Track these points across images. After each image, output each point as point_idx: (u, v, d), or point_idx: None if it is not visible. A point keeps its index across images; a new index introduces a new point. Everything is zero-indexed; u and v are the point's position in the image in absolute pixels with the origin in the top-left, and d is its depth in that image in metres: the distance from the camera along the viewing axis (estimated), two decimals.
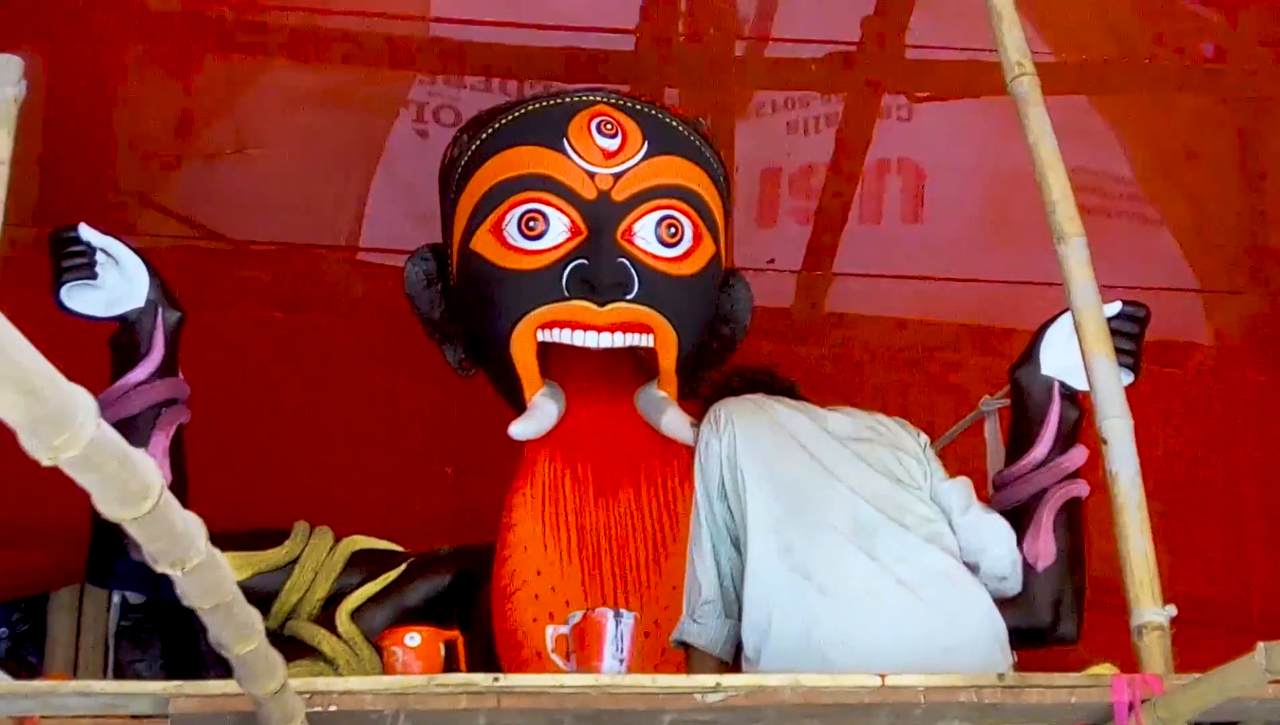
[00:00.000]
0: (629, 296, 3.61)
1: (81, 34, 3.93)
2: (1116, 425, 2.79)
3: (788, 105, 4.45)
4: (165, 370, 3.36)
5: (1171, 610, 2.66)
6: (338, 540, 3.66)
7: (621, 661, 3.00)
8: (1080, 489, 3.32)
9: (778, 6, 4.21)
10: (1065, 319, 3.16)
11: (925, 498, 3.19)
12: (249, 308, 4.47)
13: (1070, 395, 3.34)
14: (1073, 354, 3.03)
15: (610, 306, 3.60)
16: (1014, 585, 3.20)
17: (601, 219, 3.65)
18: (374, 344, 4.47)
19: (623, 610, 3.09)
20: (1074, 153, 3.07)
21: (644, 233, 3.67)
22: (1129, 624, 2.68)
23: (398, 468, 4.49)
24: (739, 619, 3.07)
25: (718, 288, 3.84)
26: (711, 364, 3.82)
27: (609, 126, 3.73)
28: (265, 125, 4.32)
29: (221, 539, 1.47)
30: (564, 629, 3.20)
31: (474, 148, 3.78)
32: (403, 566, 3.64)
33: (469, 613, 3.52)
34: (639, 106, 3.82)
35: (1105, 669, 2.76)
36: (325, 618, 3.54)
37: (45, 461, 1.17)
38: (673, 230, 3.70)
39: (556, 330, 3.60)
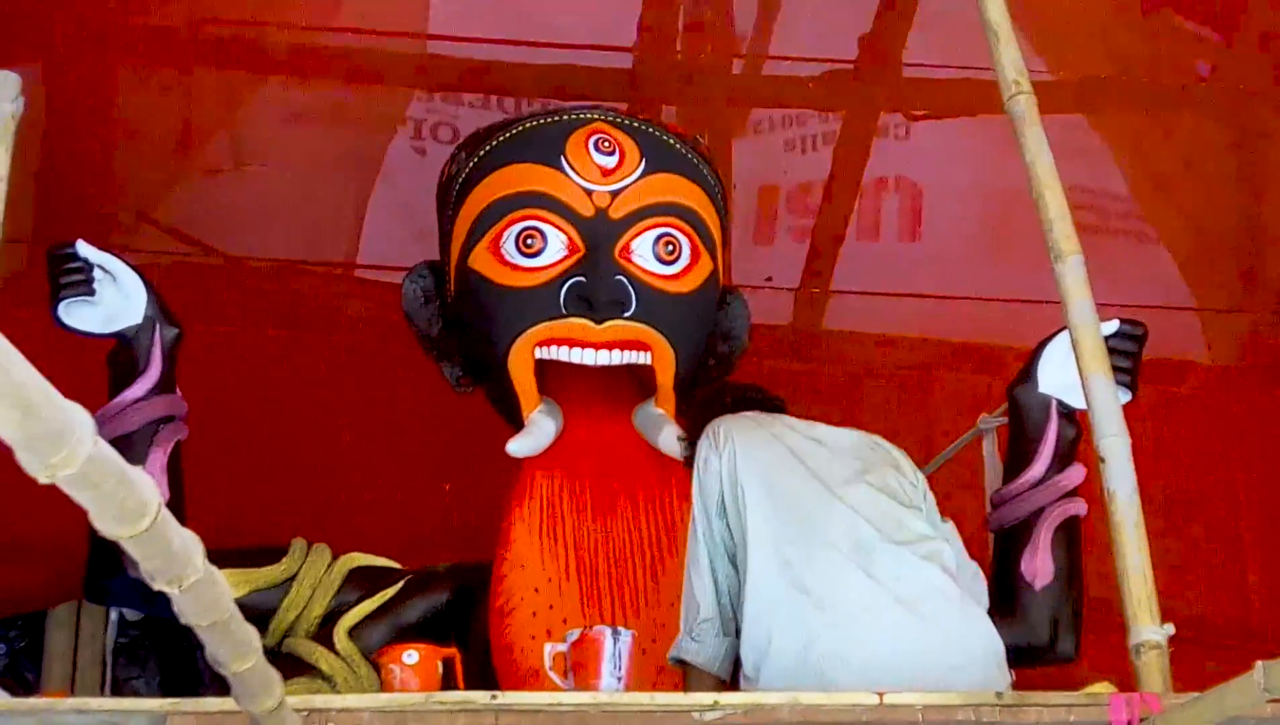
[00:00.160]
0: (626, 314, 3.61)
1: (79, 50, 3.93)
2: (1114, 444, 2.79)
3: (785, 123, 4.46)
4: (163, 387, 3.36)
5: (1170, 629, 2.65)
6: (335, 557, 3.66)
7: (619, 679, 3.00)
8: (1078, 507, 3.31)
9: (775, 24, 4.21)
10: (1063, 337, 3.16)
11: (923, 517, 3.19)
12: (247, 324, 4.47)
13: (1068, 413, 3.34)
14: (1070, 372, 3.03)
15: (608, 324, 3.60)
16: None
17: (599, 236, 3.66)
18: (372, 361, 4.47)
19: (621, 628, 3.09)
20: (1071, 171, 3.07)
21: (641, 250, 3.67)
22: (1127, 643, 2.67)
23: (395, 485, 4.48)
24: (737, 636, 3.06)
25: (715, 305, 3.84)
26: (710, 381, 3.82)
27: (606, 144, 3.73)
28: (263, 142, 4.33)
29: (219, 556, 1.47)
30: (562, 647, 3.19)
31: (471, 165, 3.78)
32: (400, 583, 3.64)
33: (466, 630, 3.51)
34: (636, 124, 3.82)
35: (1103, 687, 2.76)
36: (323, 635, 3.53)
37: (43, 479, 1.16)
38: (670, 248, 3.70)
39: (554, 347, 3.61)
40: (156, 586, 1.44)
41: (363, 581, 3.63)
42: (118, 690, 4.95)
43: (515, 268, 3.65)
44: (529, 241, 3.65)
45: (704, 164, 3.87)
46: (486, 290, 3.67)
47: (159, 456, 3.30)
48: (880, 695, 2.50)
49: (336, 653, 3.48)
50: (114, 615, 4.95)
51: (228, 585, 1.55)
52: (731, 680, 3.09)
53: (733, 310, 3.91)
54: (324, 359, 4.55)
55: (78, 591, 4.27)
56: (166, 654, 5.08)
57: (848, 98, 4.34)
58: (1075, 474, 3.32)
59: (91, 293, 3.33)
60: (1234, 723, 2.53)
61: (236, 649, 1.67)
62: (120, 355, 3.37)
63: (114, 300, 3.36)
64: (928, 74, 4.23)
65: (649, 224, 3.70)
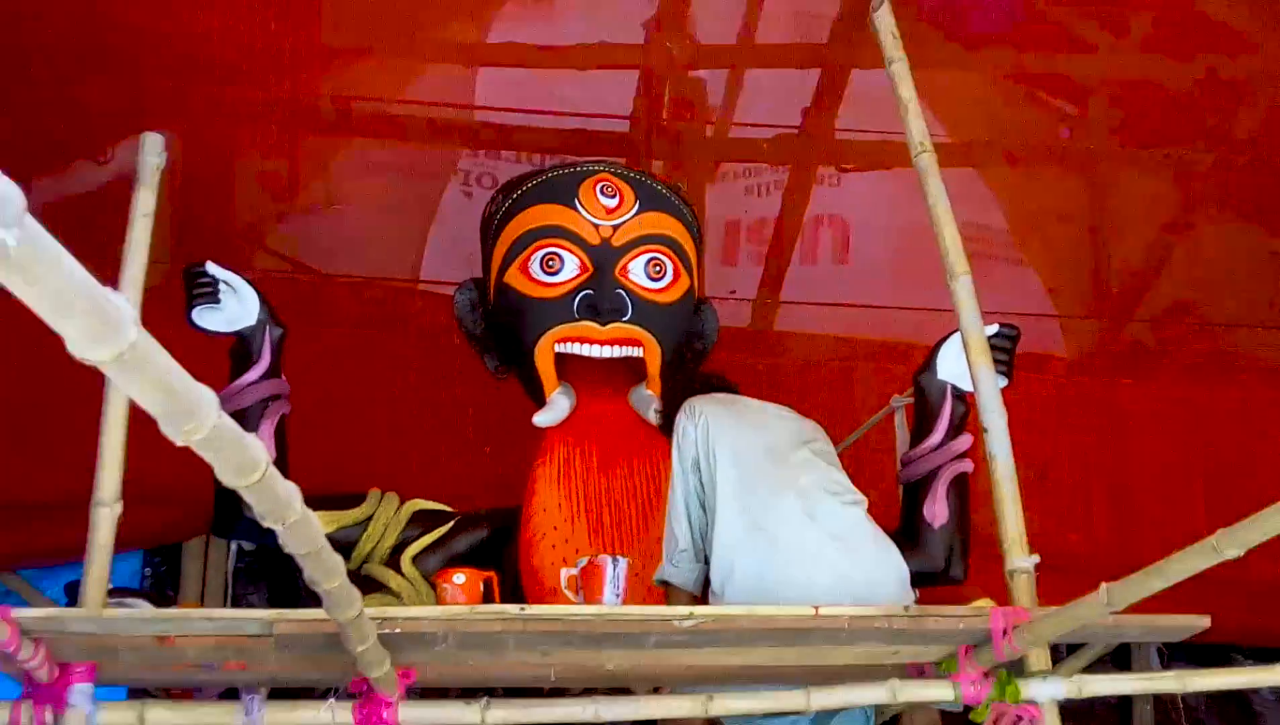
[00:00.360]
0: (625, 318, 3.61)
1: (209, 115, 3.92)
2: (994, 418, 2.80)
3: (746, 173, 4.45)
4: (271, 373, 3.35)
5: (1036, 559, 2.66)
6: (402, 502, 3.65)
7: (618, 596, 3.01)
8: (966, 466, 3.32)
9: (739, 99, 4.20)
10: (956, 337, 3.16)
11: (846, 476, 3.19)
12: (336, 325, 4.46)
13: (959, 395, 3.34)
14: (962, 363, 3.04)
15: (610, 326, 3.60)
16: None
17: (604, 259, 3.65)
18: (431, 354, 4.46)
19: (619, 557, 3.10)
20: (962, 211, 3.06)
21: (636, 270, 3.67)
22: (1003, 569, 2.68)
23: (449, 448, 4.47)
24: (706, 564, 3.06)
25: (692, 312, 3.84)
26: (687, 370, 3.82)
27: (609, 189, 3.73)
28: (348, 187, 4.32)
29: (313, 501, 1.47)
30: (574, 571, 3.21)
31: (507, 205, 3.78)
32: (451, 523, 3.63)
33: (502, 558, 3.51)
34: (632, 174, 3.82)
35: (985, 603, 2.77)
36: (392, 562, 3.53)
37: (179, 442, 1.16)
38: (658, 268, 3.70)
39: (569, 344, 3.61)
40: (266, 524, 1.44)
41: (423, 521, 3.62)
42: (237, 604, 4.96)
43: (540, 283, 3.64)
44: (550, 263, 3.64)
45: (684, 205, 3.87)
46: (518, 300, 3.66)
47: (268, 426, 3.29)
48: (816, 609, 2.51)
49: (403, 575, 3.48)
50: (234, 547, 4.95)
51: (320, 524, 1.55)
52: (702, 597, 3.10)
53: (705, 316, 3.90)
54: (394, 352, 4.54)
55: (205, 528, 4.29)
56: (274, 576, 5.08)
57: (794, 154, 4.33)
58: (964, 441, 3.32)
59: (217, 301, 3.33)
60: (1085, 629, 2.54)
61: (327, 572, 1.67)
62: (238, 349, 3.36)
63: (234, 307, 3.35)
64: (854, 137, 4.22)
65: (642, 250, 3.69)
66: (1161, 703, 5.40)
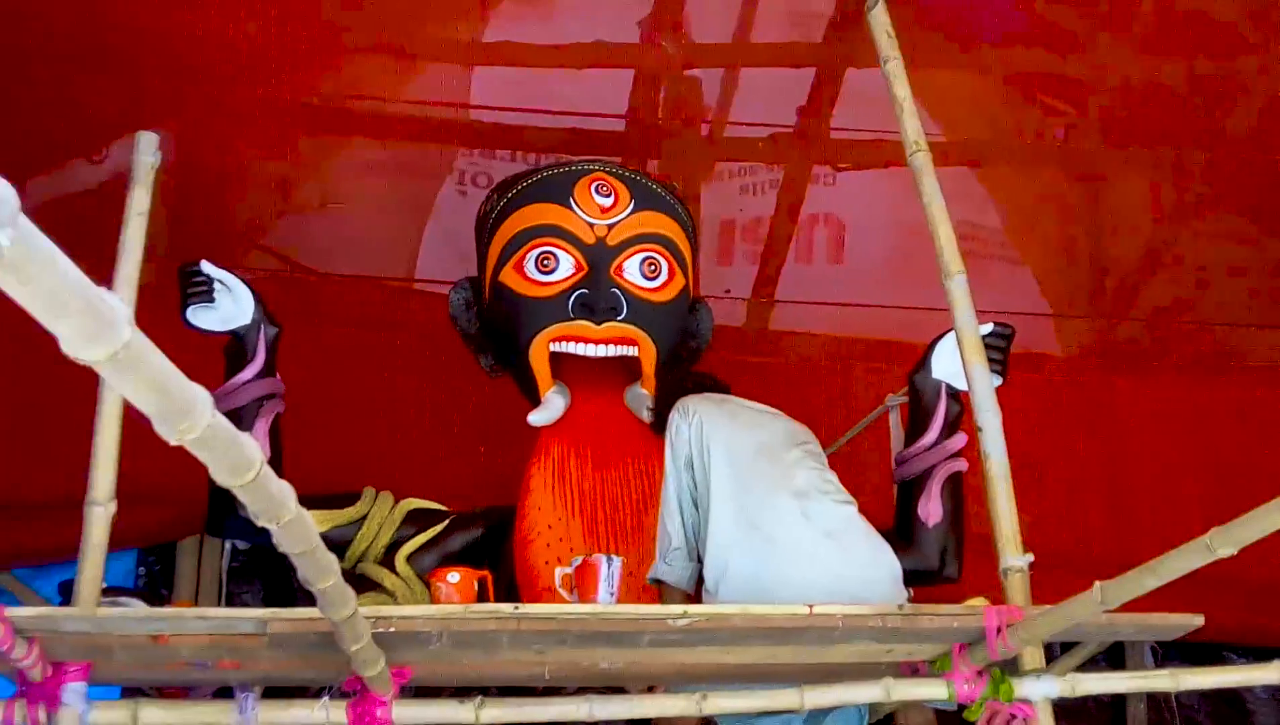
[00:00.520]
0: (619, 317, 3.61)
1: (205, 114, 3.92)
2: (989, 417, 2.80)
3: (741, 173, 4.45)
4: (266, 372, 3.35)
5: (1029, 558, 2.66)
6: (397, 501, 3.65)
7: (612, 595, 3.00)
8: (961, 465, 3.32)
9: (734, 98, 4.20)
10: (951, 335, 3.16)
11: (835, 477, 3.19)
12: (331, 324, 4.46)
13: (954, 394, 3.34)
14: (956, 362, 3.04)
15: (605, 325, 3.60)
16: None
17: (599, 258, 3.65)
18: (426, 353, 4.46)
19: (613, 556, 3.10)
20: (957, 210, 3.07)
21: (631, 269, 3.67)
22: (997, 568, 2.68)
23: (444, 447, 4.47)
24: (700, 562, 3.06)
25: (687, 311, 3.84)
26: (682, 369, 3.82)
27: (604, 188, 3.73)
28: (344, 186, 4.31)
29: (307, 500, 1.47)
30: (568, 570, 3.21)
31: (502, 204, 3.77)
32: (446, 521, 3.63)
33: (496, 557, 3.51)
34: (627, 173, 3.82)
35: (979, 601, 2.77)
36: (387, 561, 3.53)
37: (173, 442, 1.16)
38: (653, 267, 3.70)
39: (564, 343, 3.61)
40: (260, 523, 1.44)
41: (418, 519, 3.62)
42: (231, 603, 4.95)
43: (535, 282, 3.64)
44: (545, 262, 3.64)
45: (679, 204, 3.87)
46: (513, 299, 3.66)
47: (262, 425, 3.29)
48: (810, 607, 2.51)
49: (397, 574, 3.48)
50: (228, 546, 4.94)
51: (314, 523, 1.54)
52: (696, 595, 3.10)
53: (700, 315, 3.90)
54: (389, 351, 4.54)
55: (200, 527, 4.29)
56: (268, 575, 5.08)
57: (789, 154, 4.33)
58: (959, 440, 3.32)
59: (212, 300, 3.32)
60: (1078, 628, 2.55)
61: (321, 571, 1.67)
62: (233, 348, 3.36)
63: (229, 306, 3.35)
64: (849, 136, 4.22)
65: (637, 249, 3.69)
66: (1155, 701, 5.41)
